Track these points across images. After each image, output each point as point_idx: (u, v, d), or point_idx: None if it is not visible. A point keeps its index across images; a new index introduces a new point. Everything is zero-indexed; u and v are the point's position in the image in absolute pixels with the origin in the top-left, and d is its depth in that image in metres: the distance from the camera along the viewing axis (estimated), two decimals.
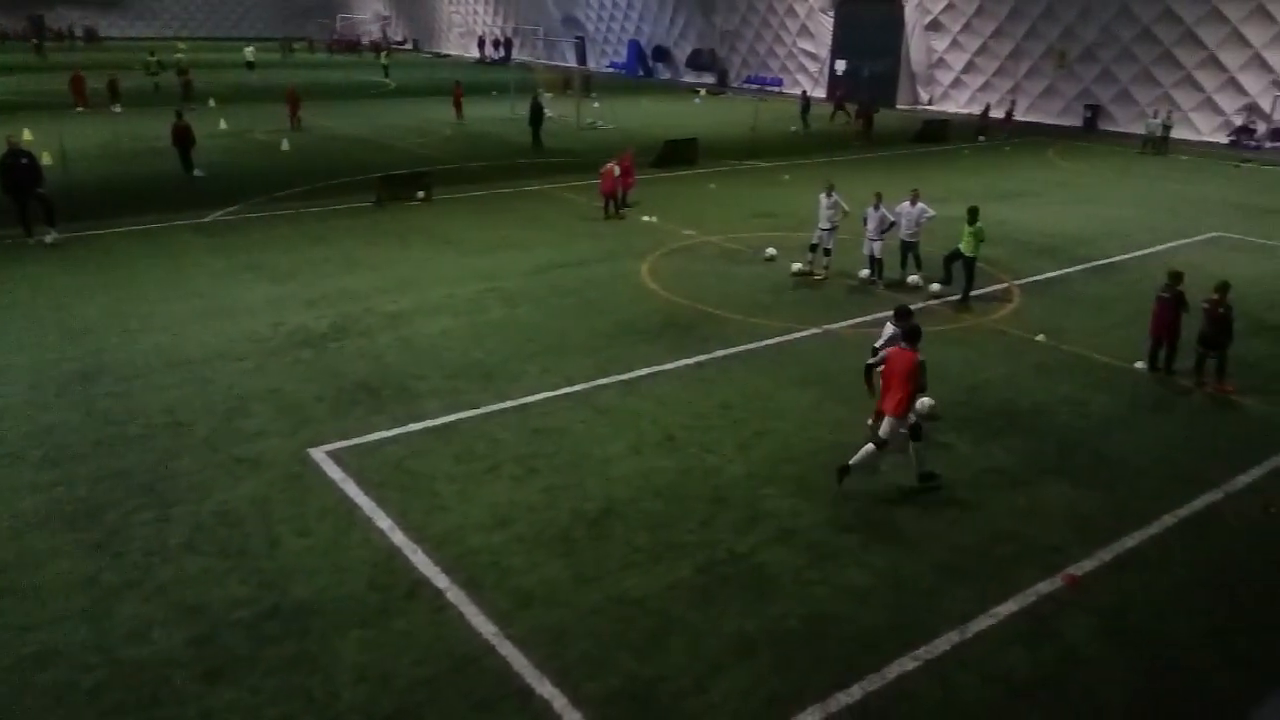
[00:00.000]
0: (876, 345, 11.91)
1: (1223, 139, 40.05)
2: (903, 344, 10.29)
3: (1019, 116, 45.42)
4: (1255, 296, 17.28)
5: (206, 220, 21.95)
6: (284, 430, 11.36)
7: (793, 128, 41.38)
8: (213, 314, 15.47)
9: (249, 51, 59.53)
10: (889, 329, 11.61)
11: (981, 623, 8.11)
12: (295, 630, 7.77)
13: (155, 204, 23.20)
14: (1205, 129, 40.97)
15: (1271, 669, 7.64)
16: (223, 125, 36.35)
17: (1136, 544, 9.44)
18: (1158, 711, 7.23)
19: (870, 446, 10.16)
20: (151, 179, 26.59)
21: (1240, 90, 39.72)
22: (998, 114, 42.75)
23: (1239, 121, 39.89)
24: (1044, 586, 8.65)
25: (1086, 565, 9.02)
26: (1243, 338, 13.76)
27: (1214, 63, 40.06)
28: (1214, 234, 23.18)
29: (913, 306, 15.72)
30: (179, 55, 58.48)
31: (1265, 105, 38.95)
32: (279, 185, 25.93)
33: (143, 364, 13.30)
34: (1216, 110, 40.70)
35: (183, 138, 27.05)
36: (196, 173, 27.02)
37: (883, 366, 10.38)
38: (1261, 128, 39.12)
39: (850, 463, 10.18)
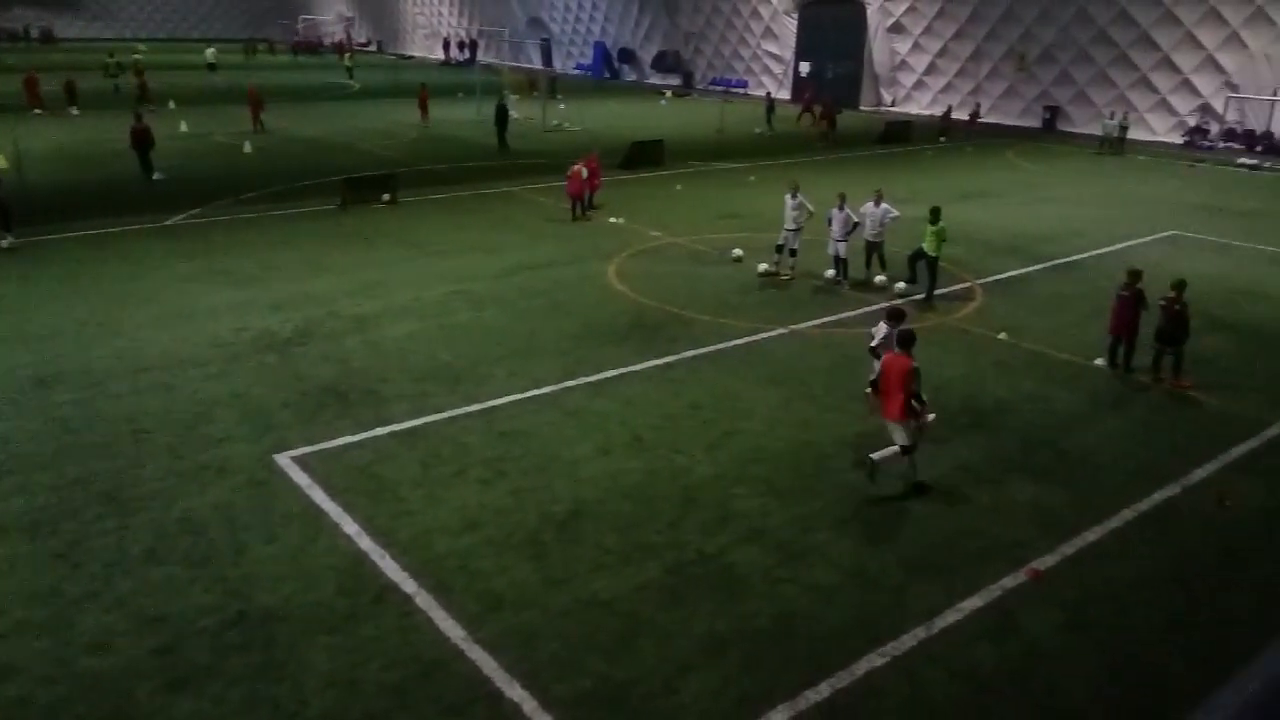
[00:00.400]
0: (873, 345, 11.77)
1: (1177, 139, 40.83)
2: (897, 349, 10.40)
3: (981, 118, 46.12)
4: (1210, 294, 17.64)
5: (167, 224, 21.64)
6: (248, 436, 11.23)
7: (757, 129, 41.59)
8: (174, 319, 15.26)
9: (210, 53, 58.75)
10: (882, 328, 11.50)
11: (948, 618, 8.21)
12: (261, 638, 7.69)
13: (114, 208, 22.83)
14: (1160, 129, 41.75)
15: (1227, 661, 7.81)
16: (183, 127, 35.85)
17: (1098, 538, 9.61)
18: (1119, 703, 7.36)
19: (895, 449, 10.25)
20: (110, 182, 26.16)
21: (1194, 92, 40.53)
22: (961, 115, 43.27)
23: (1193, 122, 40.69)
24: (1008, 581, 8.78)
25: (1049, 560, 9.16)
26: (1198, 334, 14.03)
27: (1168, 65, 40.84)
28: (1170, 233, 23.63)
29: (877, 306, 15.90)
30: (137, 57, 57.50)
31: (1218, 106, 39.77)
32: (242, 188, 25.62)
33: (102, 370, 13.08)
34: (1171, 111, 41.49)
35: (142, 140, 26.63)
36: (156, 176, 26.62)
37: (882, 375, 10.42)
38: (1215, 128, 39.93)
39: (874, 457, 10.26)
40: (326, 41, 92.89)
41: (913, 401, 10.10)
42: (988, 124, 45.09)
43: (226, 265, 18.41)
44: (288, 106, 43.35)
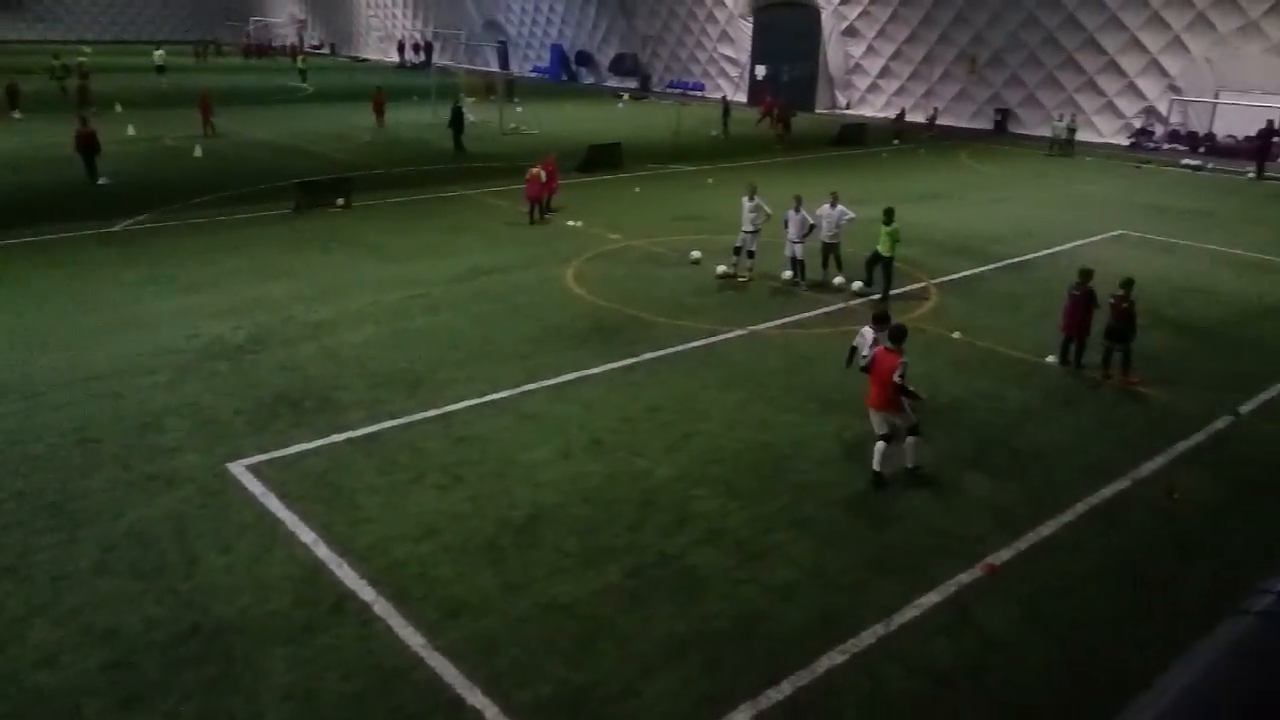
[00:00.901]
0: (859, 347, 11.72)
1: (1123, 141, 41.73)
2: (888, 345, 10.59)
3: (919, 119, 46.78)
4: (1156, 292, 18.04)
5: (114, 230, 21.19)
6: (201, 445, 11.03)
7: (714, 132, 41.74)
8: (122, 327, 14.94)
9: (158, 55, 57.65)
10: (869, 334, 11.41)
11: (906, 615, 8.30)
12: (216, 651, 7.55)
13: (59, 214, 22.31)
14: (1107, 131, 42.64)
15: (1175, 650, 7.96)
16: (130, 131, 35.14)
17: (1052, 532, 9.77)
18: (1074, 695, 7.48)
19: (882, 445, 10.57)
20: (54, 188, 25.55)
21: (1139, 94, 41.46)
22: (916, 118, 43.78)
23: (1138, 124, 41.62)
24: (965, 577, 8.89)
25: (1005, 555, 9.30)
26: (1145, 331, 14.34)
27: (1114, 68, 41.74)
28: (1118, 232, 24.14)
29: (834, 307, 16.05)
30: (81, 59, 56.28)
31: (1162, 109, 40.72)
32: (192, 193, 25.16)
33: (46, 380, 12.77)
34: (1117, 113, 42.40)
35: (87, 144, 26.06)
36: (102, 181, 26.07)
37: (872, 367, 10.66)
38: (1159, 130, 40.88)
39: (877, 469, 10.56)
40: (277, 44, 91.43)
41: (902, 397, 10.38)
42: (942, 126, 45.70)
43: (176, 271, 18.07)
44: (240, 110, 42.72)
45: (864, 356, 11.20)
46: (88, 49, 73.10)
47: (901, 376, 10.27)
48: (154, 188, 25.73)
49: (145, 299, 16.36)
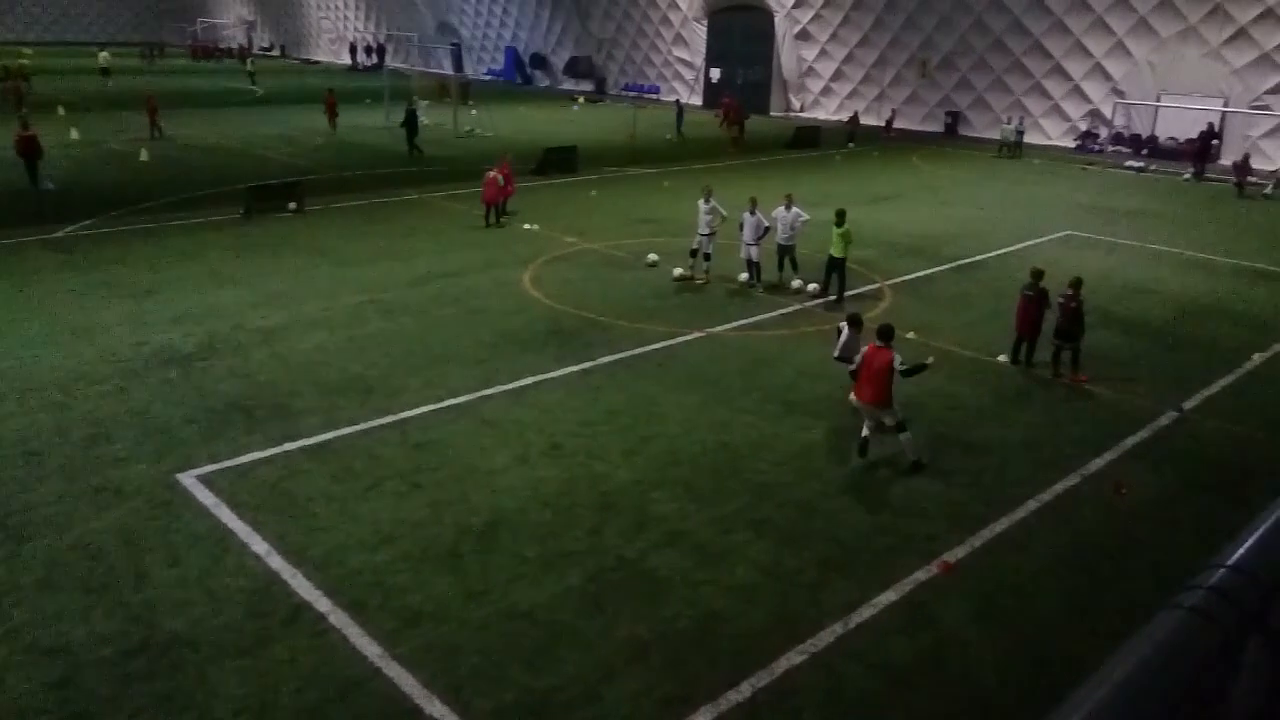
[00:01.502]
0: (835, 355, 12.63)
1: (1070, 143, 42.61)
2: (877, 342, 11.16)
3: (872, 122, 47.37)
4: (1104, 291, 18.43)
5: (58, 236, 20.68)
6: (150, 455, 10.80)
7: (668, 135, 41.77)
8: (67, 335, 14.58)
9: (103, 57, 56.39)
10: (844, 335, 12.44)
11: (863, 613, 8.38)
12: (167, 665, 7.39)
13: None
14: (1054, 134, 43.51)
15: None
16: (74, 135, 34.33)
17: (1004, 529, 9.94)
18: (1030, 686, 7.61)
19: (866, 433, 11.27)
20: None
21: (1084, 98, 42.36)
22: (871, 121, 44.17)
23: (1084, 127, 42.52)
24: (921, 575, 9.01)
25: (960, 552, 9.44)
26: (1093, 330, 14.65)
27: (1060, 72, 42.61)
28: (1066, 232, 24.63)
29: (791, 309, 16.17)
30: (22, 61, 54.89)
31: (1106, 112, 41.65)
32: (138, 198, 24.65)
33: None
34: (1064, 116, 43.28)
35: (28, 149, 25.39)
36: (45, 185, 25.41)
37: (863, 365, 11.20)
38: (1104, 132, 41.80)
39: (865, 438, 11.28)
40: (223, 46, 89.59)
41: (917, 374, 11.34)
42: (898, 129, 46.27)
43: (123, 278, 17.69)
44: (188, 113, 41.93)
45: (836, 357, 11.84)
46: (29, 50, 71.29)
47: (902, 363, 11.01)
48: (99, 192, 25.17)
49: (91, 306, 15.99)
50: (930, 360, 12.05)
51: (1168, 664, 2.19)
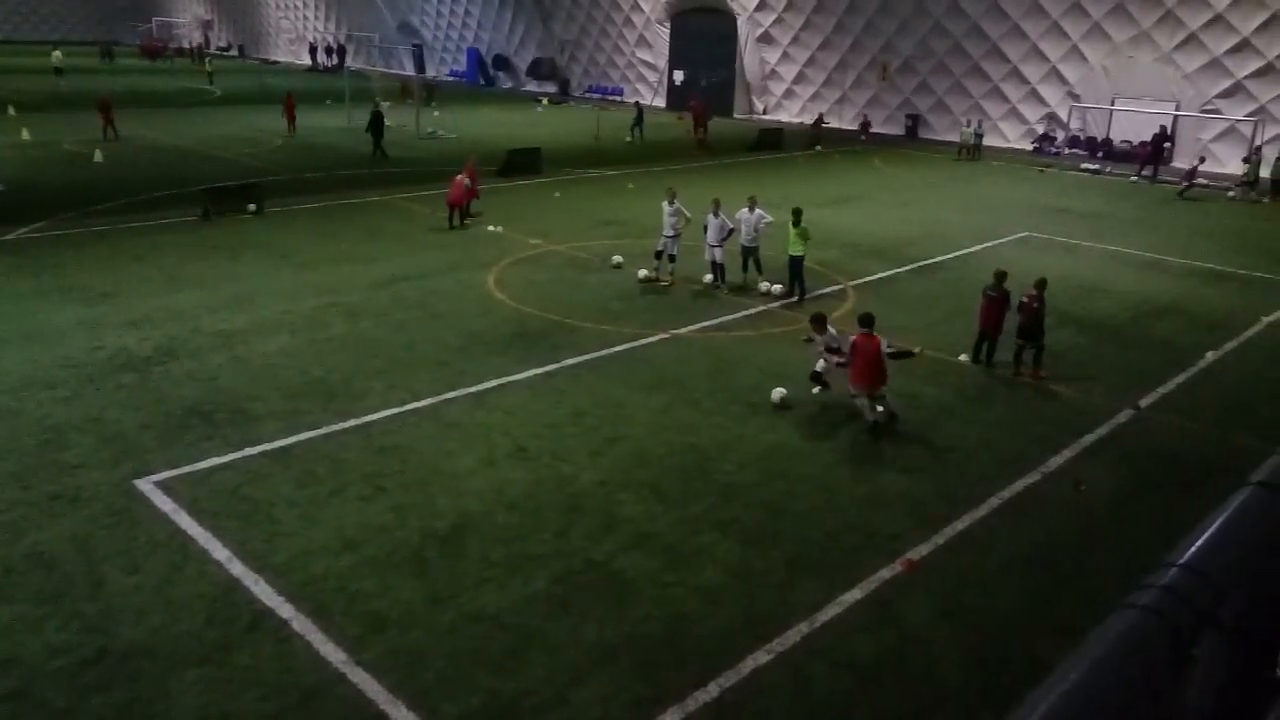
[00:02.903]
0: (818, 370, 13.04)
1: (1027, 146, 43.27)
2: (860, 329, 12.13)
3: (834, 124, 47.85)
4: (1061, 291, 18.71)
5: (8, 239, 20.20)
6: (106, 461, 10.58)
7: (626, 138, 41.36)
8: (18, 339, 14.24)
9: (56, 56, 55.27)
10: (819, 340, 12.91)
11: (829, 612, 8.43)
12: (124, 675, 7.24)
13: None
14: (1012, 136, 44.15)
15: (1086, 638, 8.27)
16: (25, 135, 33.60)
17: (967, 526, 10.06)
18: (993, 682, 7.71)
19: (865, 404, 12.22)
20: None
21: (1041, 101, 43.04)
22: (835, 124, 44.39)
23: (1041, 130, 43.20)
24: (885, 573, 9.08)
25: (923, 550, 9.53)
26: (1051, 329, 14.88)
27: (1017, 76, 43.25)
28: (1023, 234, 25.00)
29: (755, 310, 16.23)
30: None
31: (1063, 115, 42.35)
32: (92, 200, 24.16)
33: None
34: (1021, 119, 43.93)
35: None
36: None
37: (855, 354, 12.03)
38: (1060, 135, 42.50)
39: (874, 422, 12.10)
40: (174, 45, 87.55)
41: (903, 359, 12.36)
42: (842, 129, 46.68)
43: (77, 281, 17.33)
44: (144, 113, 41.19)
45: (843, 352, 12.47)
46: None
47: (889, 345, 12.00)
48: (52, 194, 24.64)
49: (44, 310, 15.64)
50: (918, 349, 12.81)
51: (1122, 664, 2.23)
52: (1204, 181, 32.11)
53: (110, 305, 16.02)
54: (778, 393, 12.70)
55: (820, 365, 12.87)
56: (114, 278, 17.62)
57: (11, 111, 39.15)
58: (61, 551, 8.84)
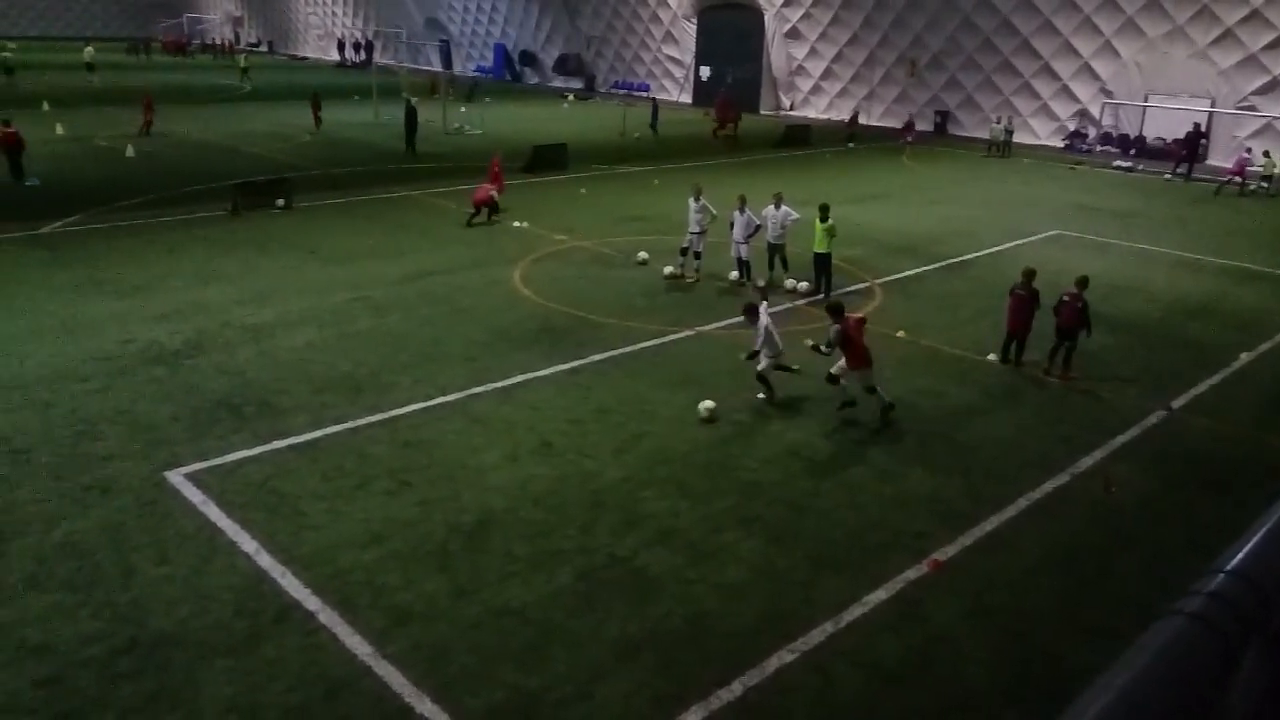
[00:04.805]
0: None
1: (1058, 143, 42.78)
2: (832, 317, 12.23)
3: (871, 121, 47.53)
4: (1092, 290, 18.29)
5: (42, 232, 20.51)
6: (137, 453, 10.72)
7: (636, 134, 41.03)
8: (51, 332, 14.46)
9: (88, 52, 55.96)
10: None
11: (854, 612, 8.39)
12: (154, 664, 7.34)
13: None
14: (1043, 133, 43.67)
15: (1116, 638, 8.18)
16: (59, 130, 34.08)
17: (994, 527, 9.96)
18: (1018, 684, 7.64)
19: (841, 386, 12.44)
20: None
21: (1073, 97, 42.53)
22: (865, 120, 44.10)
23: (1072, 127, 42.70)
24: (911, 573, 9.02)
25: (950, 550, 9.45)
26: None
27: (1049, 72, 42.77)
28: (1053, 232, 24.73)
29: (781, 308, 16.15)
30: (5, 54, 54.40)
31: (1095, 112, 41.83)
32: (125, 194, 24.47)
33: None
34: (1052, 116, 43.45)
35: (12, 144, 25.19)
36: (29, 181, 25.21)
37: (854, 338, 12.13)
38: (1092, 132, 41.99)
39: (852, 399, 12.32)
40: (195, 41, 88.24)
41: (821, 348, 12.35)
42: (871, 126, 46.36)
43: (109, 275, 17.56)
44: (175, 109, 41.64)
45: (833, 337, 12.30)
46: (12, 45, 70.67)
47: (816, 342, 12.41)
48: (85, 189, 24.97)
49: (76, 303, 15.87)
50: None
51: (1168, 672, 2.18)
52: (1240, 180, 31.56)
53: (141, 298, 16.22)
54: (705, 405, 12.13)
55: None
56: (145, 271, 17.84)
57: (46, 107, 39.71)
58: (94, 541, 8.96)
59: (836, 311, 12.43)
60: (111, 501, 9.68)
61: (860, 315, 12.47)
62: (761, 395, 12.83)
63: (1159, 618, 2.40)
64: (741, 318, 13.40)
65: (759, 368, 12.79)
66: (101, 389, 12.47)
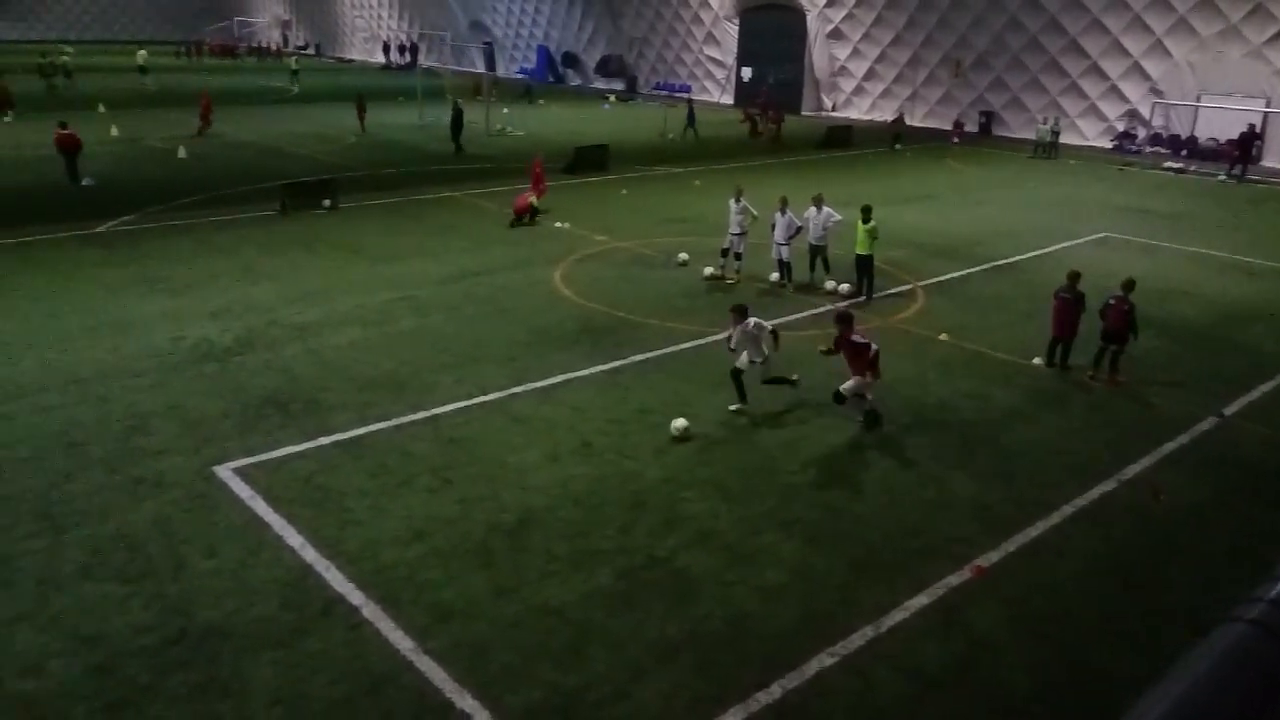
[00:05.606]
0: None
1: (1107, 144, 42.02)
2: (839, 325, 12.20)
3: (914, 122, 47.05)
4: (1141, 293, 17.97)
5: (98, 231, 21.03)
6: (187, 448, 10.96)
7: (670, 135, 40.89)
8: (106, 329, 14.83)
9: (141, 55, 57.24)
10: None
11: (895, 616, 8.32)
12: (203, 655, 7.50)
13: (40, 215, 22.12)
14: (1090, 134, 42.92)
15: (1160, 649, 8.04)
16: (114, 132, 34.90)
17: (1039, 534, 9.82)
18: (1061, 694, 7.53)
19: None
20: (36, 189, 25.34)
21: (1122, 98, 41.75)
22: (915, 123, 43.69)
23: (1121, 127, 41.92)
24: (953, 579, 8.93)
25: (993, 556, 9.34)
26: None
27: (1097, 71, 42.03)
28: (1101, 235, 24.30)
29: (821, 309, 16.06)
30: (64, 58, 55.84)
31: (1145, 112, 41.03)
32: (176, 194, 25.01)
33: (30, 383, 12.66)
34: (1100, 116, 42.68)
35: (69, 145, 25.85)
36: (85, 181, 25.87)
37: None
38: (1142, 133, 41.19)
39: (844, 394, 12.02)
40: (243, 45, 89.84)
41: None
42: (928, 128, 45.83)
43: (161, 273, 17.96)
44: (224, 111, 42.38)
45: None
46: (69, 49, 72.49)
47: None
48: (138, 189, 25.56)
49: (130, 301, 16.25)
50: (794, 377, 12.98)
51: (1228, 678, 2.15)
52: None
53: (192, 296, 16.57)
54: (677, 425, 11.66)
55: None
56: (196, 270, 18.21)
57: (101, 109, 40.68)
58: (145, 534, 9.18)
59: (844, 321, 12.09)
60: (162, 495, 9.91)
61: (868, 342, 11.96)
62: (734, 407, 12.45)
63: (1218, 624, 2.37)
64: (769, 322, 13.02)
65: (738, 369, 12.42)
66: (154, 385, 12.76)
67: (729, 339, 12.69)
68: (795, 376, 12.94)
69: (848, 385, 11.98)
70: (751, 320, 12.36)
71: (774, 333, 12.54)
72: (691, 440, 11.56)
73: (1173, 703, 2.07)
